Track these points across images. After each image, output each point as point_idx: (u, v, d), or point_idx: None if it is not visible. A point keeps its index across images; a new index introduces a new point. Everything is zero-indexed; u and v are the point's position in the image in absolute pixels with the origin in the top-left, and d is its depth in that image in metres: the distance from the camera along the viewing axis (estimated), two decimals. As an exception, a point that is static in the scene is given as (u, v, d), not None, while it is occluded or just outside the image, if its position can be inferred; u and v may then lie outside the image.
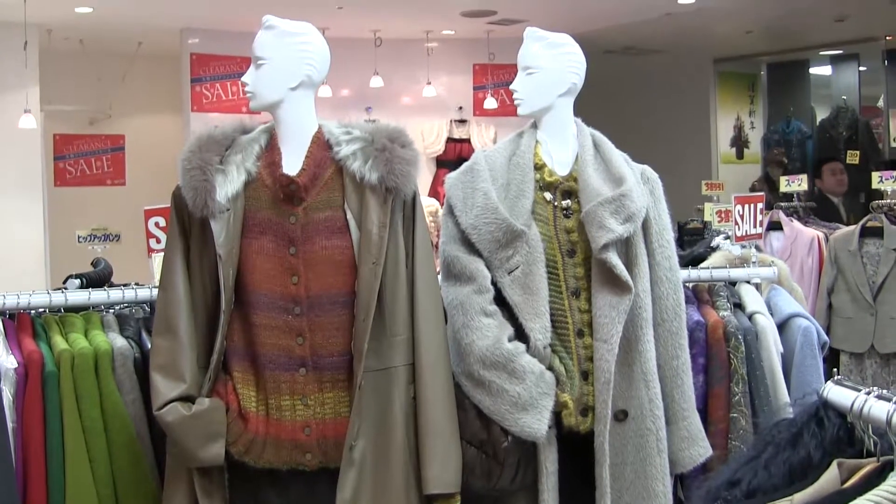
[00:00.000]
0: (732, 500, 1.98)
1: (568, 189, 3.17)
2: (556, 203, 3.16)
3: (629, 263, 3.11)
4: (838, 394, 2.05)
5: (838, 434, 2.04)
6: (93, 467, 3.17)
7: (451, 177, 3.25)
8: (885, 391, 1.96)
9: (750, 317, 3.68)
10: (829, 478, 1.94)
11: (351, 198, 2.95)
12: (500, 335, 3.01)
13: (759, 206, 4.24)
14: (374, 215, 2.91)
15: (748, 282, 3.85)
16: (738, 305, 3.75)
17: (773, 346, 3.61)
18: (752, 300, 3.73)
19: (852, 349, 6.51)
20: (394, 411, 2.94)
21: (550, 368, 3.05)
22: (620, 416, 3.09)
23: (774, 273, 3.91)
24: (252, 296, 2.93)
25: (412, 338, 2.97)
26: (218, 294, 2.91)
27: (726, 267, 4.01)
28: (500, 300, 3.08)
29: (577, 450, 3.08)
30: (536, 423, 2.97)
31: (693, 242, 6.47)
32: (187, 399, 2.90)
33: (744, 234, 4.19)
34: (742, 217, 4.18)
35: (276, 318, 2.92)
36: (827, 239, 6.79)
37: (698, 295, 3.76)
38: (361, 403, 2.89)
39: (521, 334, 3.05)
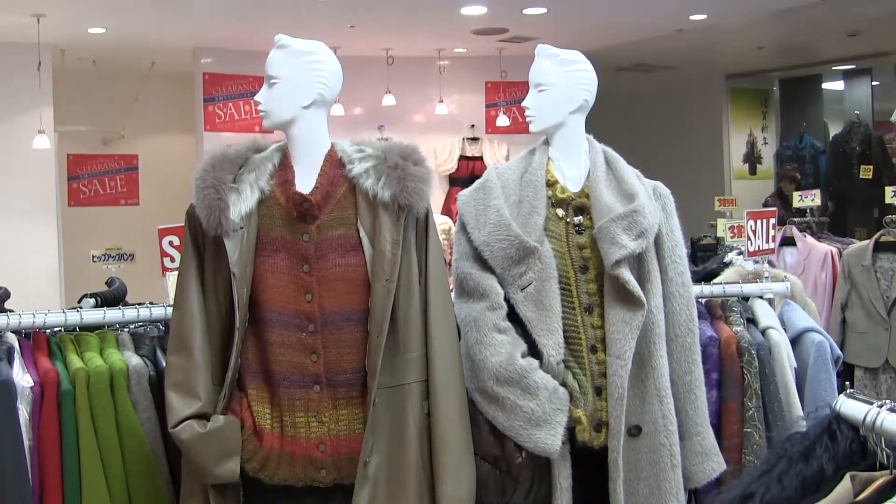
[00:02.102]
0: (745, 513, 1.99)
1: (580, 205, 3.18)
2: (568, 219, 3.18)
3: (642, 279, 3.12)
4: (851, 407, 2.05)
5: (851, 447, 2.04)
6: (109, 484, 3.18)
7: (464, 194, 3.27)
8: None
9: (763, 332, 3.69)
10: (842, 491, 1.95)
11: (364, 215, 2.96)
12: (514, 351, 3.02)
13: (772, 221, 4.24)
14: (388, 233, 2.93)
15: (761, 297, 3.85)
16: (751, 321, 3.76)
17: (786, 360, 3.61)
18: (765, 315, 3.74)
19: (867, 364, 6.52)
20: (408, 428, 2.95)
21: (564, 384, 3.06)
22: (634, 431, 3.09)
23: (787, 288, 3.92)
24: (266, 313, 2.95)
25: (426, 354, 2.98)
26: (232, 312, 2.92)
27: (739, 282, 4.01)
28: (514, 317, 3.10)
29: (590, 465, 3.08)
30: (550, 439, 2.98)
31: (706, 258, 6.49)
32: (202, 416, 2.91)
33: (756, 248, 4.20)
34: (755, 232, 4.18)
35: (290, 336, 2.94)
36: (840, 254, 6.80)
37: (711, 310, 3.76)
38: (375, 420, 2.90)
39: (534, 350, 3.06)
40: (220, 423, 2.91)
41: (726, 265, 4.87)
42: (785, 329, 3.75)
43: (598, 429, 3.07)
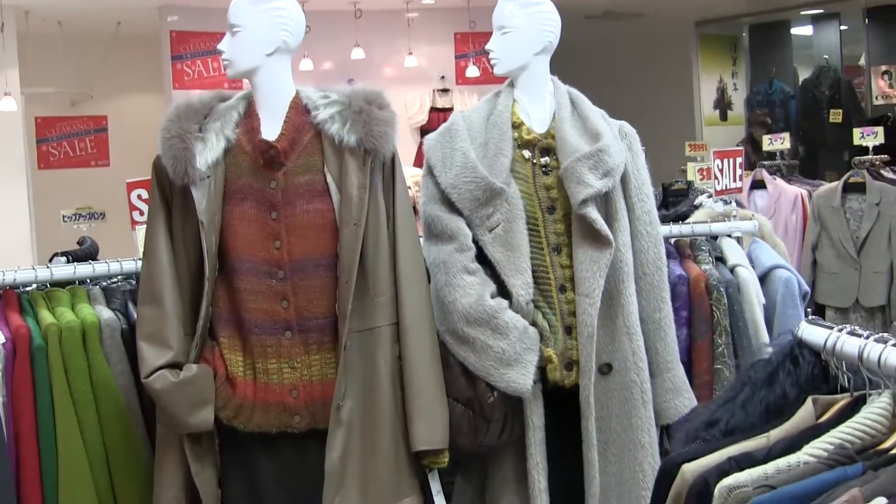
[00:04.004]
0: (711, 440, 2.02)
1: (546, 146, 3.19)
2: (534, 160, 3.19)
3: (609, 218, 3.13)
4: (812, 333, 2.09)
5: (813, 372, 2.08)
6: (84, 438, 3.18)
7: (430, 138, 3.27)
8: (856, 328, 1.99)
9: (732, 270, 3.72)
10: (805, 414, 1.98)
11: (330, 161, 2.97)
12: (483, 292, 3.03)
13: (738, 160, 4.27)
14: (354, 177, 2.93)
15: (729, 236, 3.88)
16: (720, 259, 3.78)
17: (754, 297, 3.64)
18: (734, 253, 3.77)
19: (837, 304, 6.57)
20: (379, 371, 2.97)
21: (534, 324, 3.08)
22: (605, 369, 3.12)
23: (755, 226, 3.94)
24: (235, 262, 2.96)
25: (395, 298, 2.99)
26: (201, 261, 2.93)
27: (708, 222, 4.04)
28: (482, 258, 3.11)
29: (562, 404, 3.11)
30: (521, 378, 3.00)
31: (678, 203, 6.49)
32: (175, 366, 2.93)
33: (724, 188, 4.23)
34: (721, 171, 4.21)
35: (260, 283, 2.95)
36: (810, 196, 6.83)
37: (680, 250, 3.79)
38: (347, 364, 2.92)
39: (503, 291, 3.08)
40: (193, 371, 2.92)
41: (696, 207, 4.89)
42: (753, 267, 3.77)
43: (569, 367, 3.09)
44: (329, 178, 2.96)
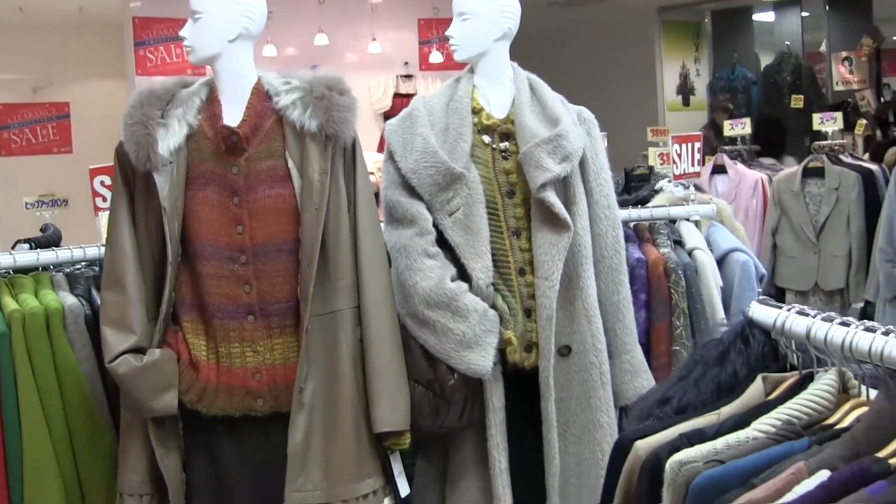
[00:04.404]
0: (663, 417, 2.06)
1: (506, 131, 3.23)
2: (494, 145, 3.22)
3: (568, 202, 3.18)
4: (762, 312, 2.13)
5: (763, 350, 2.12)
6: (49, 424, 3.19)
7: (391, 123, 3.30)
8: (805, 307, 2.05)
9: (690, 253, 3.77)
10: (754, 391, 2.03)
11: (292, 146, 2.99)
12: (443, 275, 3.07)
13: (697, 145, 4.32)
14: (315, 163, 2.96)
15: (688, 219, 3.92)
16: (679, 242, 3.83)
17: (712, 280, 3.69)
18: (692, 237, 3.82)
19: (797, 287, 6.66)
20: (341, 354, 3.00)
21: (493, 307, 3.11)
22: (564, 351, 3.16)
23: (713, 210, 3.99)
24: (198, 247, 2.98)
25: (356, 282, 3.02)
26: (164, 247, 2.95)
27: (667, 206, 4.09)
28: (443, 242, 3.14)
29: (523, 386, 3.15)
30: (481, 360, 3.04)
31: (640, 188, 6.55)
32: (138, 351, 2.95)
33: (682, 172, 4.28)
34: (680, 156, 4.26)
35: (223, 268, 2.97)
36: (771, 181, 6.90)
37: (639, 233, 3.83)
38: (309, 347, 2.95)
39: (463, 274, 3.11)
40: (156, 356, 2.94)
41: (657, 192, 4.93)
42: (711, 250, 3.82)
43: (529, 349, 3.13)
44: (290, 164, 2.99)
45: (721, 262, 3.82)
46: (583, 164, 3.25)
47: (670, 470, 1.85)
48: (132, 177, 3.01)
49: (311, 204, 2.94)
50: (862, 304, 6.46)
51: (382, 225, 3.20)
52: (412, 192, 3.15)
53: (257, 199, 2.98)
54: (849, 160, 6.90)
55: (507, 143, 3.22)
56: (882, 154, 7.85)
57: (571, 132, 3.17)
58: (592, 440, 3.17)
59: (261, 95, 3.03)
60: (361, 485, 3.01)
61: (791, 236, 6.65)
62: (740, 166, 7.05)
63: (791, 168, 6.92)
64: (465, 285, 3.08)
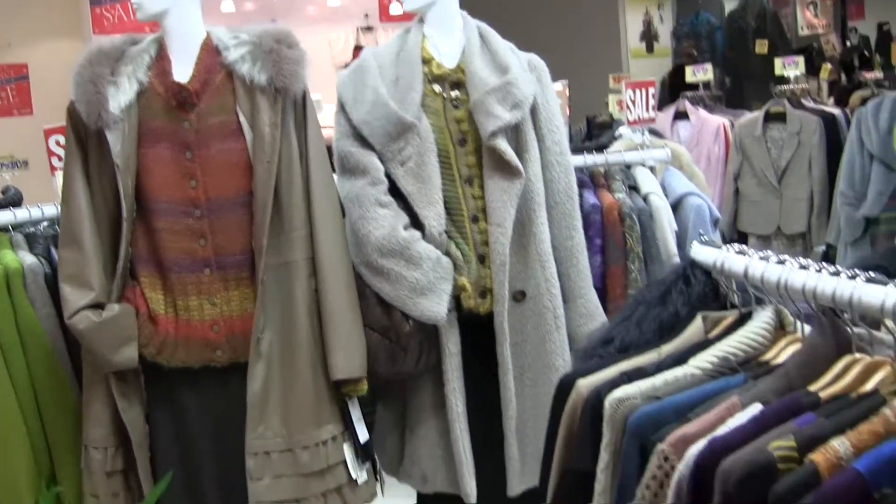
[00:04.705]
0: (606, 356, 2.11)
1: (456, 80, 3.25)
2: (445, 95, 3.24)
3: (519, 149, 3.20)
4: (703, 253, 2.17)
5: (704, 290, 2.17)
6: (13, 381, 3.20)
7: (342, 76, 3.31)
8: (744, 247, 2.09)
9: (645, 198, 3.80)
10: (694, 330, 2.07)
11: (242, 101, 3.01)
12: (396, 224, 3.10)
13: (651, 91, 4.34)
14: (266, 116, 2.98)
15: (643, 165, 3.96)
16: (634, 188, 3.87)
17: (666, 224, 3.73)
18: (647, 182, 3.85)
19: (759, 232, 6.72)
20: (297, 304, 3.04)
21: (447, 254, 3.15)
22: (518, 296, 3.20)
23: (667, 155, 4.02)
24: (153, 202, 3.00)
25: (310, 232, 3.05)
26: (119, 203, 2.97)
27: (622, 152, 4.12)
28: (396, 191, 3.17)
29: (478, 331, 3.19)
30: (436, 307, 3.08)
31: (602, 135, 6.58)
32: (97, 306, 2.97)
33: (636, 118, 4.30)
34: (634, 102, 4.28)
35: (178, 223, 3.00)
36: (733, 126, 6.94)
37: (595, 179, 3.86)
38: (265, 298, 2.99)
39: (416, 223, 3.14)
40: (115, 311, 2.97)
41: (616, 138, 4.97)
42: (666, 195, 3.86)
43: (484, 295, 3.17)
44: (241, 118, 3.01)
45: (676, 206, 3.85)
46: (534, 112, 3.27)
47: (609, 406, 1.89)
48: (85, 135, 3.02)
49: (262, 157, 2.97)
50: (823, 248, 6.53)
51: (335, 176, 3.23)
52: (364, 142, 3.18)
53: (210, 154, 3.00)
54: (811, 105, 6.94)
55: (457, 92, 3.24)
56: (847, 98, 7.89)
57: (521, 80, 3.20)
58: (548, 383, 3.20)
59: (210, 51, 3.04)
60: (321, 431, 3.05)
61: (753, 181, 6.69)
62: (702, 112, 7.08)
63: (753, 113, 6.95)
64: (417, 233, 3.11)
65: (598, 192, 3.79)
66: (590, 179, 3.85)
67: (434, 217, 3.12)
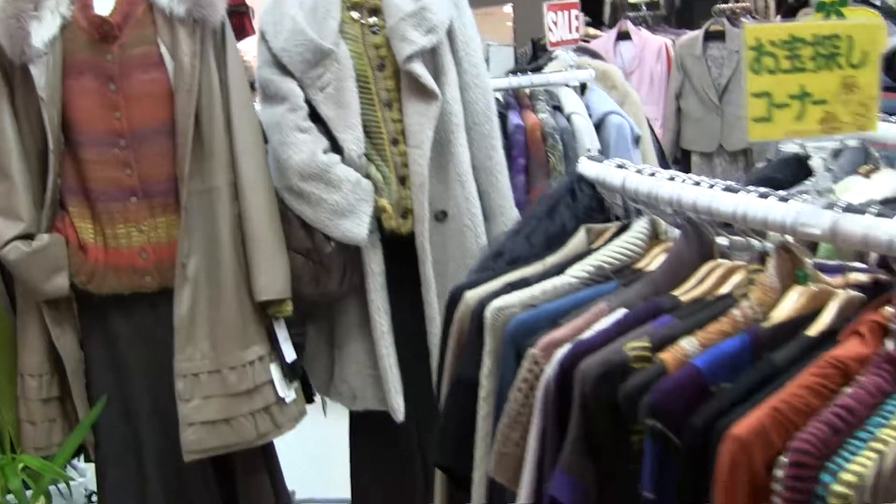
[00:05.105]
0: (497, 269, 2.20)
1: (373, 7, 3.30)
2: (363, 21, 3.30)
3: (437, 73, 3.27)
4: (588, 167, 2.26)
5: (590, 204, 2.26)
6: (-51, 317, 3.28)
7: (264, 5, 3.36)
8: (627, 161, 2.18)
9: (568, 117, 3.86)
10: (578, 241, 2.17)
11: (163, 32, 3.07)
12: (315, 149, 3.17)
13: (574, 12, 4.38)
14: (186, 46, 3.05)
15: (567, 85, 4.02)
16: (558, 108, 3.93)
17: (588, 142, 3.79)
18: (570, 102, 3.91)
19: (702, 149, 6.80)
20: (220, 228, 3.12)
21: (368, 176, 3.22)
22: (440, 216, 3.29)
23: (591, 75, 4.09)
24: (79, 134, 3.07)
25: (232, 159, 3.13)
26: (46, 136, 3.03)
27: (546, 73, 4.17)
28: (317, 117, 3.23)
29: (402, 251, 3.28)
30: (356, 228, 3.16)
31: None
32: (27, 237, 3.05)
33: (559, 39, 4.36)
34: (556, 23, 4.33)
35: (104, 153, 3.07)
36: (674, 45, 7.00)
37: (520, 101, 3.92)
38: (189, 223, 3.07)
39: (336, 147, 3.21)
40: (45, 241, 3.05)
41: (552, 60, 5.02)
42: (590, 114, 3.93)
43: (405, 216, 3.25)
44: (163, 49, 3.07)
45: (598, 125, 3.91)
46: (451, 35, 3.33)
47: (490, 315, 1.99)
48: (10, 70, 3.07)
49: (183, 86, 3.04)
50: (764, 164, 6.60)
51: (258, 103, 3.30)
52: (284, 70, 3.23)
53: (132, 85, 3.06)
54: (749, 22, 6.98)
55: (375, 18, 3.30)
56: (794, 15, 7.93)
57: (436, 5, 3.25)
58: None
59: None
60: (247, 351, 3.15)
61: (694, 99, 6.76)
62: (644, 32, 7.13)
63: (693, 32, 7.01)
64: (337, 157, 3.18)
65: (522, 113, 3.84)
66: (515, 101, 3.91)
67: (353, 141, 3.19)
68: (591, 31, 7.24)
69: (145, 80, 3.07)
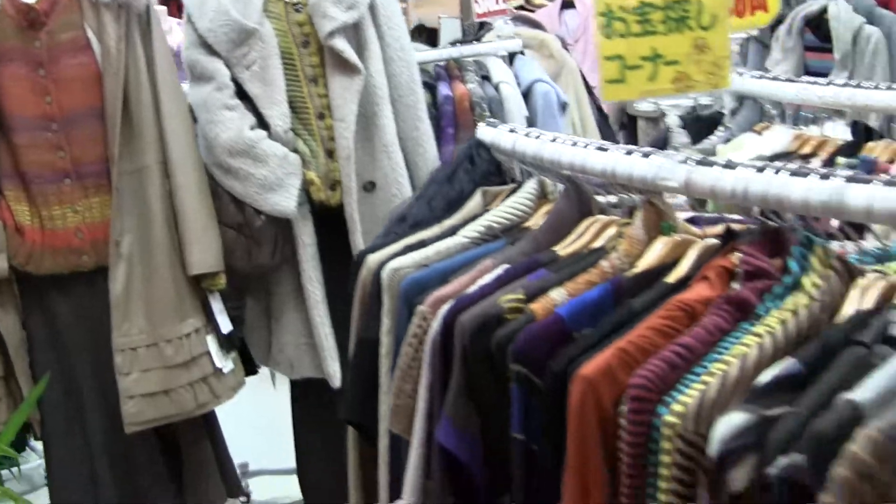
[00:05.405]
0: (400, 232, 2.30)
1: None
2: (286, 0, 3.38)
3: (360, 48, 3.36)
4: (485, 133, 2.36)
5: (488, 168, 2.36)
6: None
7: (189, -13, 3.44)
8: (519, 126, 2.28)
9: (496, 87, 3.95)
10: (474, 204, 2.27)
11: (89, 17, 3.15)
12: (242, 125, 3.25)
13: (501, -17, 4.47)
14: (111, 30, 3.13)
15: (496, 55, 4.10)
16: (487, 78, 4.01)
17: (516, 111, 3.87)
18: (498, 72, 3.99)
19: (647, 114, 6.88)
20: (152, 206, 3.21)
21: (296, 150, 3.31)
22: (368, 186, 3.38)
23: (518, 45, 4.16)
24: (11, 120, 3.15)
25: (161, 138, 3.22)
26: None
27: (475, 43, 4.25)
28: (244, 95, 3.32)
29: (332, 222, 3.37)
30: (285, 201, 3.26)
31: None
32: None
33: (485, 11, 4.44)
34: (482, -6, 4.41)
35: (37, 137, 3.15)
36: (620, 11, 7.06)
37: (450, 72, 4.00)
38: (121, 203, 3.16)
39: (264, 124, 3.30)
40: None
41: (489, 30, 5.09)
42: (518, 83, 4.01)
43: (333, 187, 3.34)
44: (90, 33, 3.15)
45: (526, 93, 4.00)
46: (373, 11, 3.41)
47: (386, 276, 2.10)
48: None
49: (110, 69, 3.13)
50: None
51: (186, 83, 3.38)
52: (210, 50, 3.31)
53: (61, 70, 3.15)
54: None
55: (298, -3, 3.39)
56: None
57: None
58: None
59: None
60: (183, 324, 3.24)
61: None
62: (588, 0, 7.18)
63: (637, -2, 7.06)
64: (263, 133, 3.27)
65: (452, 84, 3.93)
66: (445, 72, 3.99)
67: (278, 116, 3.28)
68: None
69: (73, 64, 3.15)
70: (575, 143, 1.97)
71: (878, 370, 1.26)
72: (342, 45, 3.29)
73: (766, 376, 1.33)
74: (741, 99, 2.98)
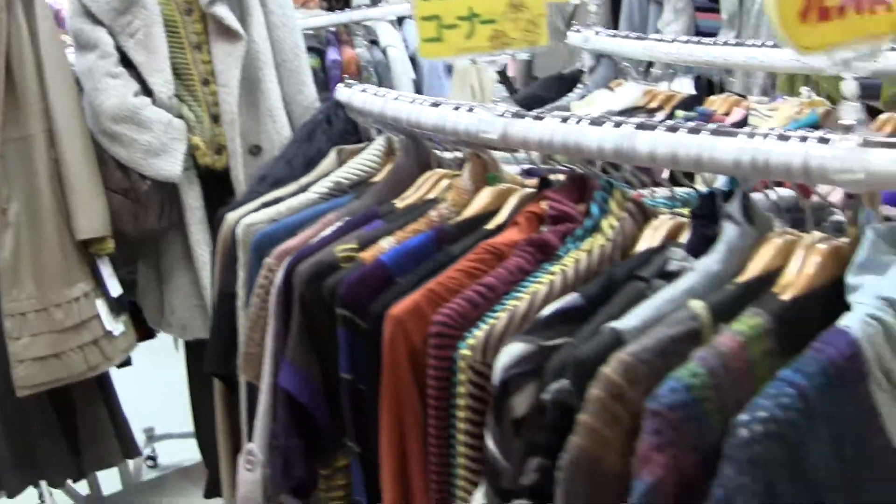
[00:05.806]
0: (262, 191, 2.39)
1: None
2: None
3: (242, 14, 3.42)
4: (342, 93, 2.45)
5: (345, 128, 2.45)
6: None
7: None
8: (371, 87, 2.37)
9: (384, 50, 4.06)
10: (329, 162, 2.37)
11: None
12: (126, 93, 3.31)
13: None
14: None
15: (384, 20, 4.19)
16: (375, 42, 4.12)
17: (403, 74, 3.99)
18: (386, 36, 4.10)
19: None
20: (38, 174, 3.26)
21: (181, 116, 3.38)
22: (254, 150, 3.46)
23: (407, 9, 4.26)
24: None
25: (45, 107, 3.27)
26: None
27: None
28: (128, 63, 3.38)
29: (219, 185, 3.44)
30: (169, 166, 3.33)
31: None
32: None
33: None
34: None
35: None
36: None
37: (339, 37, 4.10)
38: (7, 171, 3.22)
39: (148, 91, 3.36)
40: None
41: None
42: (407, 47, 4.11)
43: (219, 152, 3.41)
44: None
45: (414, 57, 4.11)
46: (256, -23, 3.49)
47: (240, 231, 2.19)
48: None
49: None
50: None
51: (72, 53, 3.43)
52: (94, 19, 3.36)
53: None
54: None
55: (180, -36, 3.44)
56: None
57: None
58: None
59: None
60: (72, 289, 3.31)
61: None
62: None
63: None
64: (147, 100, 3.33)
65: (341, 49, 4.03)
66: (335, 37, 4.09)
67: (162, 83, 3.34)
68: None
69: None
70: (413, 101, 2.07)
71: (645, 301, 1.38)
72: (223, 11, 3.36)
73: (548, 310, 1.44)
74: (598, 57, 3.10)
